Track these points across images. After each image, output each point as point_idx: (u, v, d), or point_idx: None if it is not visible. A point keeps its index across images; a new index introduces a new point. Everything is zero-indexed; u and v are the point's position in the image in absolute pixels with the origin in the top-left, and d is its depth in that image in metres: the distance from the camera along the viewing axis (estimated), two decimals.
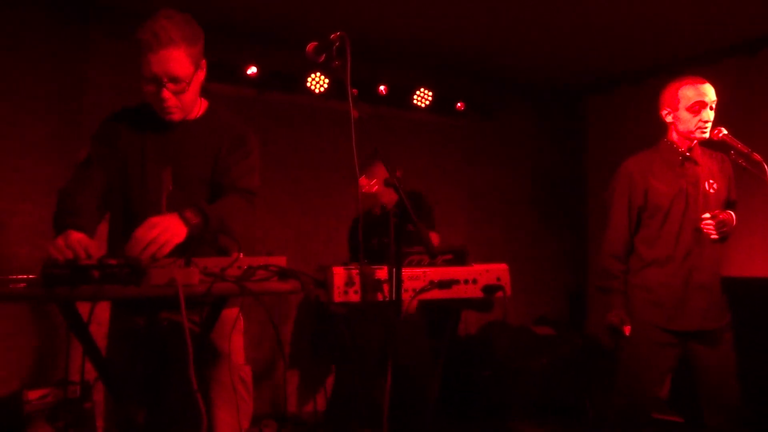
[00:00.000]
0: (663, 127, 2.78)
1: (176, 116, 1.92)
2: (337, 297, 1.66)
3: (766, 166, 2.42)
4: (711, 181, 2.71)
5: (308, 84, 4.49)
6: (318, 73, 4.49)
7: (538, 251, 5.78)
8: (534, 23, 4.30)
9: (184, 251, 1.65)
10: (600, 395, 4.26)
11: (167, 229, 1.66)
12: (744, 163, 2.55)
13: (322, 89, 4.52)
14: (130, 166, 1.95)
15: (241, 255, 1.70)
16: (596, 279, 2.82)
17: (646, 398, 2.75)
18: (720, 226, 2.58)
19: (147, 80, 1.84)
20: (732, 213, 2.70)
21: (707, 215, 2.60)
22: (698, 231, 2.64)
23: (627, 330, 2.69)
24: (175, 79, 1.83)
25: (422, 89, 4.96)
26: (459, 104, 5.19)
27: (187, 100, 1.91)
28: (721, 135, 2.60)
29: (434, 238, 2.35)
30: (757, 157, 2.46)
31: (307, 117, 4.73)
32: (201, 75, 1.93)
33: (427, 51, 4.89)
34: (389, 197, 3.46)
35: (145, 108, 1.94)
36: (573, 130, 6.05)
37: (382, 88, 4.78)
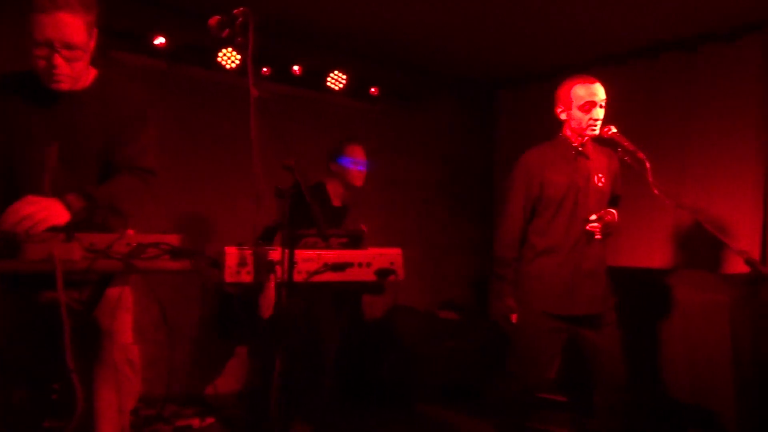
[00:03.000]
0: (558, 123, 2.92)
1: (65, 85, 1.82)
2: (229, 277, 1.64)
3: (648, 164, 2.59)
4: (600, 175, 2.87)
5: (219, 59, 4.35)
6: (229, 49, 4.35)
7: (448, 239, 5.91)
8: (451, 13, 4.35)
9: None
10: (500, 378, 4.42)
11: (46, 209, 1.61)
12: (629, 160, 2.71)
13: (233, 65, 4.39)
14: (14, 141, 1.84)
15: (132, 232, 1.65)
16: (492, 266, 2.94)
17: (536, 381, 2.92)
18: (605, 228, 2.78)
19: (37, 44, 1.73)
20: (615, 212, 2.88)
21: (594, 217, 2.77)
22: (586, 223, 2.80)
23: (513, 318, 2.84)
24: (69, 46, 1.74)
25: (336, 72, 4.92)
26: (373, 89, 5.19)
27: (79, 68, 1.81)
28: (610, 132, 2.76)
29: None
30: (641, 155, 2.63)
31: (220, 93, 4.56)
32: (92, 45, 1.84)
33: (344, 34, 4.85)
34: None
35: (29, 75, 1.83)
36: (485, 122, 6.20)
37: (296, 68, 4.69)
